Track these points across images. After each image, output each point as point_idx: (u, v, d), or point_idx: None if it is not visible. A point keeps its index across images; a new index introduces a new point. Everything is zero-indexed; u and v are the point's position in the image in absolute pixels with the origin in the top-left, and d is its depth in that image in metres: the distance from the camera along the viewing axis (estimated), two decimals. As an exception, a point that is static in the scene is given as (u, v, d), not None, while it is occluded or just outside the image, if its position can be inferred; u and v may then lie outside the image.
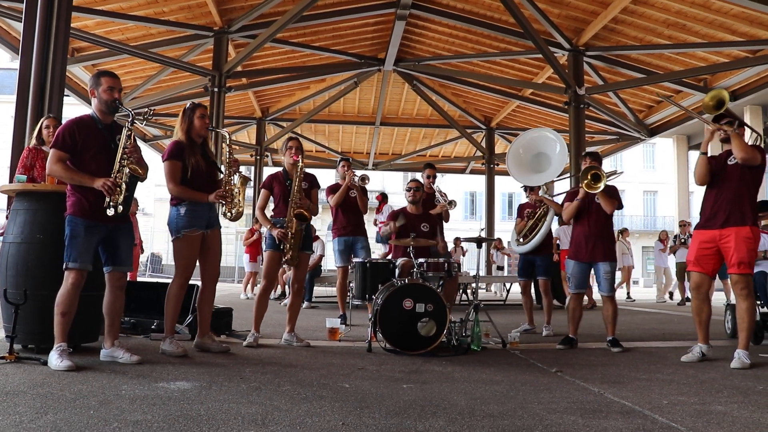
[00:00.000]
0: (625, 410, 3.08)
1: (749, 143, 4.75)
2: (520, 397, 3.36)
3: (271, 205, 5.62)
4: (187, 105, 4.78)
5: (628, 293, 15.10)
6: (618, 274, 12.97)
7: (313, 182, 5.58)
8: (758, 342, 5.92)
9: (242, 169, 5.47)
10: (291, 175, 5.42)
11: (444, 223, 6.70)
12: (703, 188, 4.93)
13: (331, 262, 8.69)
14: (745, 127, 4.90)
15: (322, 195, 6.50)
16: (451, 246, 15.31)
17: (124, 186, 4.01)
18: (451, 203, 6.69)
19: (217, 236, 4.83)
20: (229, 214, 4.70)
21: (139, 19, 11.45)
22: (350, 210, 7.37)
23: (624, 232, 14.92)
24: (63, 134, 4.01)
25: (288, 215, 5.28)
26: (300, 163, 5.37)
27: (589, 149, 16.91)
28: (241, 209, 4.74)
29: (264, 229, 5.65)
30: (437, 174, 7.28)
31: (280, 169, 5.60)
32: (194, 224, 4.62)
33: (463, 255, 18.47)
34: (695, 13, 10.73)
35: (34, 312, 4.16)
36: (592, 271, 5.75)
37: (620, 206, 5.66)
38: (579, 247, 5.69)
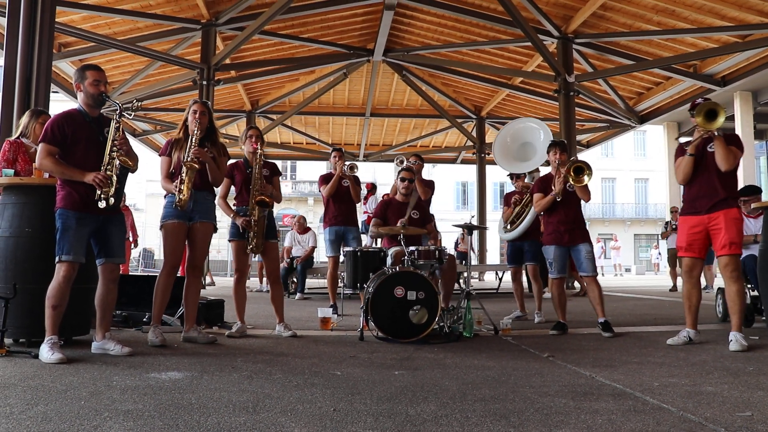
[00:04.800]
0: (617, 392, 3.10)
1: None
2: (512, 382, 3.37)
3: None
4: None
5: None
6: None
7: (274, 170, 5.60)
8: (749, 325, 5.95)
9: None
10: (252, 164, 5.43)
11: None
12: None
13: (323, 254, 8.66)
14: None
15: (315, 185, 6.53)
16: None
17: (115, 178, 3.99)
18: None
19: (200, 230, 4.82)
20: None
21: (125, 13, 11.36)
22: (342, 200, 7.33)
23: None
24: (51, 128, 3.98)
25: (250, 202, 5.27)
26: (259, 151, 5.38)
27: (579, 137, 17.00)
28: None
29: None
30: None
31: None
32: (174, 215, 4.69)
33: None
34: (684, -2, 10.75)
35: (25, 306, 4.13)
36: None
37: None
38: (558, 233, 5.76)
